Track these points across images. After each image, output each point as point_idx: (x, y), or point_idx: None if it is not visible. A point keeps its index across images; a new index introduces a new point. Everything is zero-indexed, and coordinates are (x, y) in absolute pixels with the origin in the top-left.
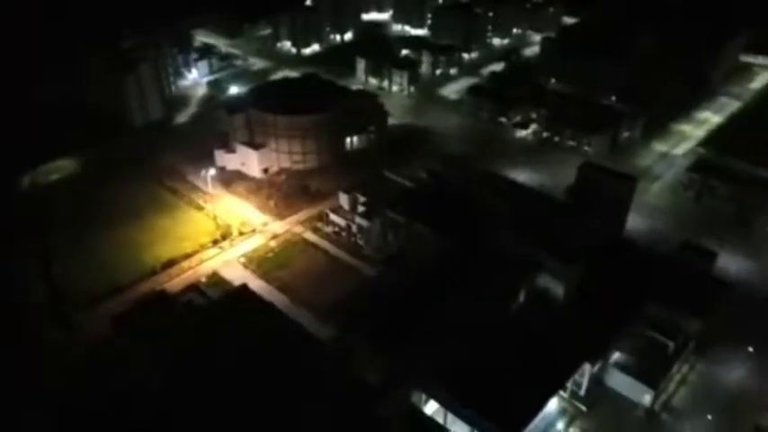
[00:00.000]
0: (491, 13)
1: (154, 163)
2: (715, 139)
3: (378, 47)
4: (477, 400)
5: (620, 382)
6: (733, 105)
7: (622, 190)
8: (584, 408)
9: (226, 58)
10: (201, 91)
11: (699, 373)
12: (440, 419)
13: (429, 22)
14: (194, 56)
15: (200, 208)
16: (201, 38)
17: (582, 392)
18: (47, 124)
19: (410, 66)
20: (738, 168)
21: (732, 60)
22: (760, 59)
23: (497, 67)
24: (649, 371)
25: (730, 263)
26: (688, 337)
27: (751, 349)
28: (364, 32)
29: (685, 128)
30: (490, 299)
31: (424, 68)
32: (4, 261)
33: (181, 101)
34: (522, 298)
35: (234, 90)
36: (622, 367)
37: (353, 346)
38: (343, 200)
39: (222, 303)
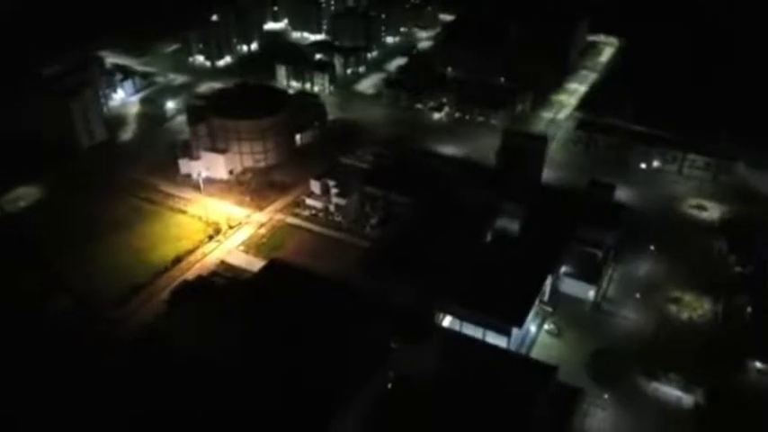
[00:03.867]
0: (383, 15)
1: (120, 179)
2: (585, 103)
3: (289, 53)
4: (483, 308)
5: (571, 286)
6: (591, 76)
7: (537, 147)
8: (550, 309)
9: (146, 76)
10: (134, 109)
11: (620, 272)
12: (456, 329)
13: (326, 27)
14: (119, 76)
15: (183, 212)
16: (110, 59)
17: (546, 298)
18: None
19: (327, 68)
20: (608, 123)
21: (582, 40)
22: (602, 38)
23: (398, 62)
24: (589, 274)
25: (619, 193)
26: (608, 247)
27: (652, 248)
28: (270, 42)
29: (562, 97)
30: (466, 240)
31: (337, 69)
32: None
33: (118, 120)
34: (488, 237)
35: (170, 105)
36: (570, 275)
37: (385, 286)
38: (315, 186)
39: (265, 274)
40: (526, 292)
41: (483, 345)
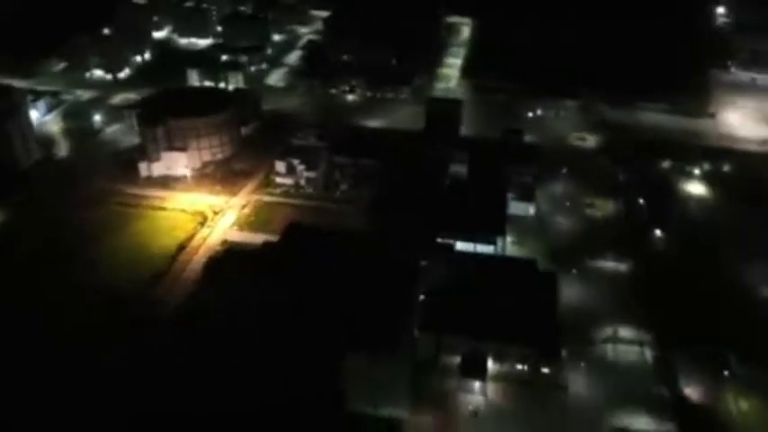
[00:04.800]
0: (269, 16)
1: (83, 190)
2: (467, 72)
3: (194, 57)
4: (472, 228)
5: (516, 207)
6: (461, 52)
7: (456, 108)
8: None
9: (54, 95)
10: (56, 127)
11: (544, 191)
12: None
13: (216, 31)
14: (31, 97)
15: (162, 208)
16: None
17: None
18: None
19: (238, 67)
20: (494, 85)
21: (444, 22)
22: (457, 18)
23: (293, 56)
24: (527, 196)
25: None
26: (532, 175)
27: (565, 170)
28: (164, 49)
29: (447, 71)
30: (434, 185)
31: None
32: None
33: (45, 139)
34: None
35: (96, 118)
36: (514, 198)
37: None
38: (280, 166)
39: (289, 236)
40: (498, 212)
41: (478, 254)
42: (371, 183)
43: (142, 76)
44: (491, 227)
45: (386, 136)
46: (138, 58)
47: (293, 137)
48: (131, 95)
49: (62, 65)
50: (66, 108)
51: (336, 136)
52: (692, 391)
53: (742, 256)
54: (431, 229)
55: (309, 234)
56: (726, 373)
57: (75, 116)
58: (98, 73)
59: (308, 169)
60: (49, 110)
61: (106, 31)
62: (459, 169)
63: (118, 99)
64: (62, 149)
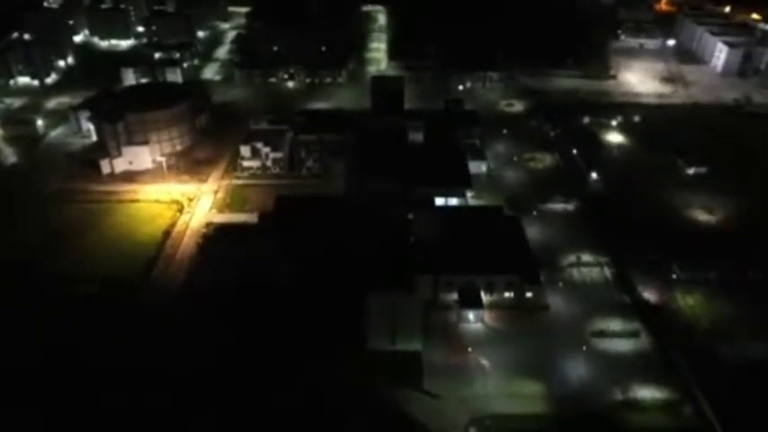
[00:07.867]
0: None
1: (48, 194)
2: (393, 55)
3: (125, 57)
4: (444, 184)
5: (470, 166)
6: (382, 37)
7: (399, 84)
8: None
9: None
10: None
11: (491, 150)
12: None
13: (137, 31)
14: None
15: (135, 200)
16: None
17: None
18: None
19: (175, 63)
20: (420, 64)
21: (360, 14)
22: (370, 7)
23: (221, 50)
24: (479, 155)
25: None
26: (478, 137)
27: (505, 131)
28: (86, 52)
29: (375, 54)
30: (397, 152)
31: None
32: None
33: None
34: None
35: (40, 123)
36: (469, 158)
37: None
38: (245, 150)
39: (280, 207)
40: (462, 169)
41: (452, 206)
42: (340, 155)
43: (70, 80)
44: (459, 182)
45: (339, 114)
46: (62, 63)
47: (249, 123)
48: (65, 99)
49: None
50: (1, 116)
51: (293, 118)
52: (648, 296)
53: (660, 187)
54: (409, 187)
55: (300, 202)
56: (673, 277)
57: (14, 123)
58: (23, 80)
59: (273, 150)
60: None
61: (27, 36)
62: (415, 137)
63: (53, 104)
64: (10, 156)
